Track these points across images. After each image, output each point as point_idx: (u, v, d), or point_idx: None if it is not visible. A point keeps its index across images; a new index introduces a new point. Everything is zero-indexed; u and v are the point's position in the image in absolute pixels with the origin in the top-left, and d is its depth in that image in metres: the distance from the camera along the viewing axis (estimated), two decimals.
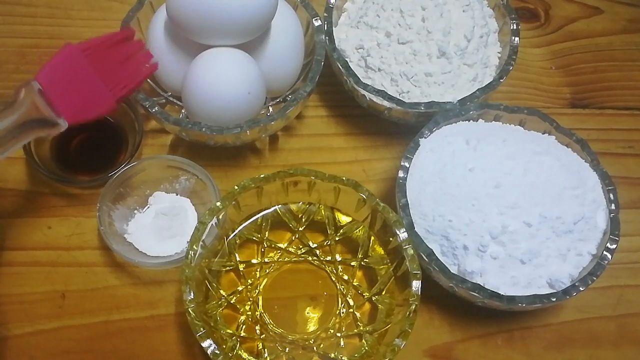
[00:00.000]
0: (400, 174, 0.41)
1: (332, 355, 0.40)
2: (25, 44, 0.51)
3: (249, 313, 0.41)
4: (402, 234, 0.39)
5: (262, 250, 0.43)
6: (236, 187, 0.40)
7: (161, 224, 0.44)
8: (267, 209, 0.43)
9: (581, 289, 0.38)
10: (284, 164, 0.48)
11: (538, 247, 0.38)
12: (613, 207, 0.41)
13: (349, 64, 0.45)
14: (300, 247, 0.43)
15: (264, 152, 0.49)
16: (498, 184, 0.39)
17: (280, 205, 0.43)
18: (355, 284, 0.42)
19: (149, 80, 0.47)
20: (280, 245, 0.43)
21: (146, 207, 0.45)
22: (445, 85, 0.45)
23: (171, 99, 0.48)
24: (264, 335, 0.40)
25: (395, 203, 0.41)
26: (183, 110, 0.47)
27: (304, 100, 0.44)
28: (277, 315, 0.41)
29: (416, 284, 0.37)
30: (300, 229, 0.43)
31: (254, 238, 0.43)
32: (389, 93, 0.44)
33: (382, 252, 0.42)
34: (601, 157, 0.43)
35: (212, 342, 0.35)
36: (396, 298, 0.40)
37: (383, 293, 0.41)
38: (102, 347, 0.41)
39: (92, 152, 0.47)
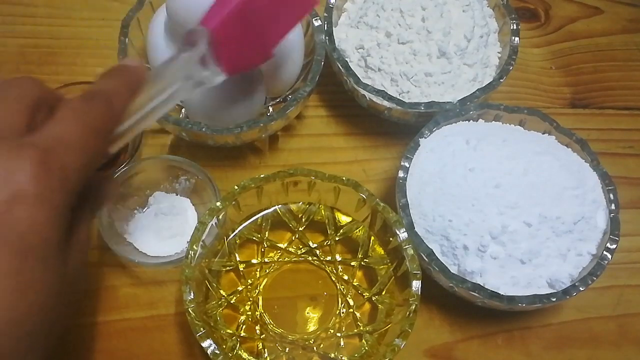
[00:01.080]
0: (400, 174, 0.41)
1: (332, 355, 0.40)
2: (25, 43, 0.51)
3: (249, 313, 0.41)
4: (402, 234, 0.39)
5: (262, 250, 0.43)
6: (236, 187, 0.40)
7: (161, 224, 0.44)
8: (267, 209, 0.43)
9: (581, 289, 0.38)
10: (284, 164, 0.48)
11: (538, 247, 0.38)
12: (613, 207, 0.41)
13: (349, 64, 0.45)
14: (300, 247, 0.43)
15: (264, 152, 0.49)
16: (498, 184, 0.39)
17: (280, 205, 0.43)
18: (355, 284, 0.42)
19: None
20: (280, 245, 0.43)
21: (146, 207, 0.45)
22: (445, 85, 0.45)
23: None
24: (264, 335, 0.40)
25: (395, 203, 0.41)
26: (183, 110, 0.47)
27: (304, 100, 0.44)
28: (277, 315, 0.41)
29: (416, 284, 0.37)
30: (300, 229, 0.43)
31: (254, 238, 0.43)
32: (389, 93, 0.44)
33: (382, 252, 0.42)
34: (601, 157, 0.43)
35: (212, 342, 0.35)
36: (396, 298, 0.40)
37: (383, 293, 0.41)
38: (102, 347, 0.41)
39: None
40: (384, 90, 0.44)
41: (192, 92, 0.34)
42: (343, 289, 0.42)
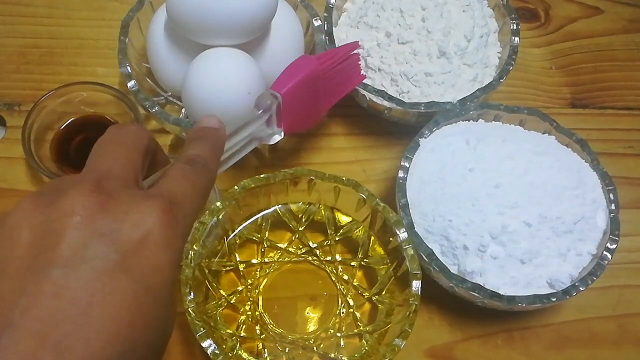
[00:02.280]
0: (400, 174, 0.41)
1: (332, 355, 0.40)
2: (25, 43, 0.51)
3: (249, 313, 0.41)
4: (402, 234, 0.39)
5: (262, 250, 0.43)
6: (236, 187, 0.40)
7: None
8: (267, 209, 0.43)
9: (581, 289, 0.38)
10: (284, 164, 0.48)
11: (538, 247, 0.38)
12: (613, 207, 0.41)
13: None
14: (300, 247, 0.43)
15: (264, 152, 0.49)
16: (498, 184, 0.39)
17: (280, 205, 0.43)
18: (355, 284, 0.42)
19: (148, 79, 0.47)
20: (280, 245, 0.43)
21: None
22: (445, 85, 0.45)
23: (171, 98, 0.48)
24: (264, 335, 0.40)
25: (395, 203, 0.41)
26: (183, 110, 0.47)
27: None
28: (277, 315, 0.41)
29: (416, 284, 0.37)
30: (300, 229, 0.43)
31: (254, 238, 0.43)
32: (389, 93, 0.44)
33: (382, 252, 0.42)
34: (601, 157, 0.43)
35: (212, 342, 0.35)
36: (396, 298, 0.40)
37: (383, 293, 0.41)
38: None
39: None
40: (384, 90, 0.44)
41: (250, 148, 0.36)
42: (343, 289, 0.42)
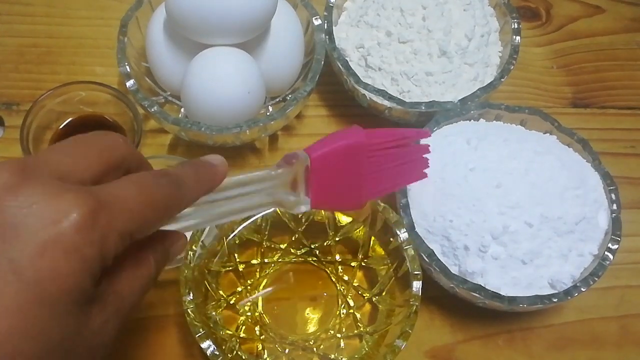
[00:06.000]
0: None
1: (332, 356, 0.39)
2: (23, 43, 0.51)
3: (249, 314, 0.41)
4: (403, 234, 0.39)
5: (262, 250, 0.43)
6: None
7: None
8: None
9: (583, 289, 0.38)
10: None
11: (539, 247, 0.38)
12: (615, 207, 0.40)
13: (349, 63, 0.45)
14: (300, 247, 0.43)
15: (263, 152, 0.49)
16: (499, 183, 0.39)
17: None
18: (355, 284, 0.42)
19: (147, 79, 0.47)
20: (280, 245, 0.43)
21: None
22: (446, 85, 0.45)
23: (170, 98, 0.48)
24: (263, 336, 0.40)
25: (395, 203, 0.41)
26: (182, 110, 0.47)
27: (304, 100, 0.44)
28: (276, 316, 0.41)
29: (417, 285, 0.37)
30: (300, 229, 0.43)
31: (254, 239, 0.43)
32: (390, 92, 0.44)
33: (383, 253, 0.42)
34: (603, 157, 0.42)
35: (211, 343, 0.35)
36: (397, 299, 0.40)
37: (383, 294, 0.41)
38: None
39: None
40: (384, 90, 0.44)
41: (267, 209, 0.32)
42: (343, 289, 0.42)
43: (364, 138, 0.33)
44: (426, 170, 0.38)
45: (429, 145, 0.38)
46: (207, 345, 0.35)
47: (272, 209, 0.40)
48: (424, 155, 0.38)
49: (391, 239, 0.40)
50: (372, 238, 0.42)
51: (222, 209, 0.29)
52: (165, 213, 0.24)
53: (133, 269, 0.24)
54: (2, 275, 0.19)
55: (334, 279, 0.42)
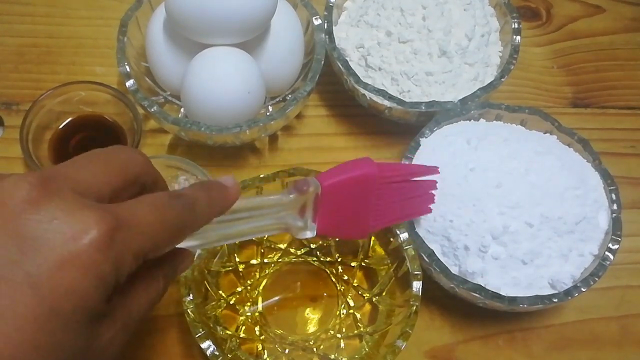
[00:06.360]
0: None
1: (332, 356, 0.39)
2: (23, 43, 0.51)
3: (249, 314, 0.40)
4: (403, 235, 0.38)
5: (262, 250, 0.43)
6: None
7: None
8: None
9: (583, 289, 0.37)
10: (283, 164, 0.48)
11: (539, 247, 0.38)
12: (615, 207, 0.40)
13: (349, 63, 0.45)
14: (300, 247, 0.43)
15: (263, 152, 0.49)
16: (499, 183, 0.39)
17: None
18: (355, 284, 0.42)
19: (147, 79, 0.47)
20: (280, 245, 0.43)
21: None
22: (446, 85, 0.45)
23: (170, 98, 0.48)
24: (263, 337, 0.40)
25: None
26: (182, 110, 0.47)
27: (304, 100, 0.43)
28: (276, 316, 0.41)
29: (417, 285, 0.37)
30: None
31: (254, 239, 0.43)
32: (390, 92, 0.44)
33: (383, 253, 0.42)
34: (603, 156, 0.42)
35: (211, 343, 0.35)
36: (397, 299, 0.40)
37: (383, 294, 0.41)
38: None
39: None
40: (384, 90, 0.44)
41: (274, 232, 0.33)
42: (343, 289, 0.42)
43: (375, 170, 0.34)
44: (431, 206, 0.39)
45: (436, 182, 0.39)
46: (207, 345, 0.35)
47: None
48: (430, 191, 0.39)
49: (391, 239, 0.40)
50: (372, 238, 0.42)
51: (231, 230, 0.30)
52: (178, 235, 0.24)
53: (143, 287, 0.25)
54: (18, 287, 0.19)
55: (334, 279, 0.42)
